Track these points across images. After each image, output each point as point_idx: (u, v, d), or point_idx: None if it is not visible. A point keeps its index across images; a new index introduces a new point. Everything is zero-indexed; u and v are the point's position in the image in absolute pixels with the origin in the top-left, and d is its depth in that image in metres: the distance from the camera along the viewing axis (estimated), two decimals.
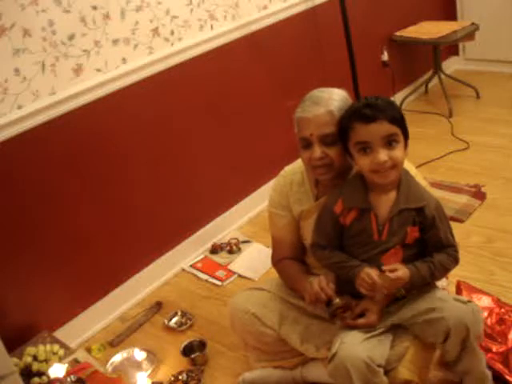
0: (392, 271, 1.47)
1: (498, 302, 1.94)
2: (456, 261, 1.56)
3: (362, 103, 1.48)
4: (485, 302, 1.92)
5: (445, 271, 1.56)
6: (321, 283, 1.56)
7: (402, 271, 1.48)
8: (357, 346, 1.46)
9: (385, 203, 1.52)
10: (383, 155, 1.44)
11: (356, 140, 1.47)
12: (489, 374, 1.62)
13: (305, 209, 1.72)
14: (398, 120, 1.47)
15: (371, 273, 1.47)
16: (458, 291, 1.95)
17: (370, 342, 1.49)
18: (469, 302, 1.54)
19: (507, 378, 1.72)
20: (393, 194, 1.52)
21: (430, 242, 1.54)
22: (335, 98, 1.57)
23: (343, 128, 1.51)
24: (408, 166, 1.61)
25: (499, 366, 1.74)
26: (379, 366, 1.47)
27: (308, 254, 1.79)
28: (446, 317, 1.49)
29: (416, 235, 1.52)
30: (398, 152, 1.46)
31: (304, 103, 1.60)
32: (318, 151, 1.55)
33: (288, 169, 1.80)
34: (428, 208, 1.51)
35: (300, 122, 1.59)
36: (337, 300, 1.53)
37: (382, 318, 1.55)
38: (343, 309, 1.54)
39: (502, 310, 1.89)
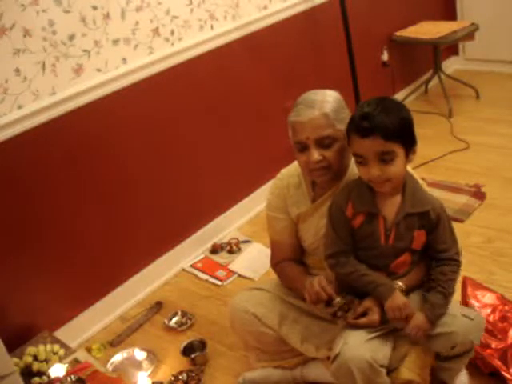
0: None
1: (503, 299, 1.94)
2: (459, 267, 1.55)
3: (360, 112, 1.42)
4: (489, 298, 1.92)
5: (454, 284, 1.54)
6: (321, 282, 1.56)
7: (417, 320, 1.47)
8: (360, 347, 1.46)
9: (391, 207, 1.50)
10: (376, 170, 1.42)
11: (352, 151, 1.48)
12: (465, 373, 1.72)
13: (302, 211, 1.71)
14: (396, 134, 1.39)
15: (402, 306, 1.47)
16: (464, 287, 1.95)
17: (373, 343, 1.49)
18: (476, 315, 1.54)
19: (504, 374, 1.72)
20: (398, 198, 1.50)
21: (432, 244, 1.54)
22: (329, 100, 1.56)
23: (347, 132, 1.49)
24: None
25: (497, 363, 1.74)
26: (382, 366, 1.47)
27: (307, 255, 1.79)
28: (454, 332, 1.49)
29: (423, 239, 1.52)
30: (392, 168, 1.42)
31: (297, 107, 1.58)
32: (315, 154, 1.54)
33: (284, 171, 1.79)
34: (433, 211, 1.50)
35: (295, 126, 1.57)
36: (337, 299, 1.52)
37: (383, 318, 1.54)
38: (346, 307, 1.53)
39: (506, 307, 1.89)
